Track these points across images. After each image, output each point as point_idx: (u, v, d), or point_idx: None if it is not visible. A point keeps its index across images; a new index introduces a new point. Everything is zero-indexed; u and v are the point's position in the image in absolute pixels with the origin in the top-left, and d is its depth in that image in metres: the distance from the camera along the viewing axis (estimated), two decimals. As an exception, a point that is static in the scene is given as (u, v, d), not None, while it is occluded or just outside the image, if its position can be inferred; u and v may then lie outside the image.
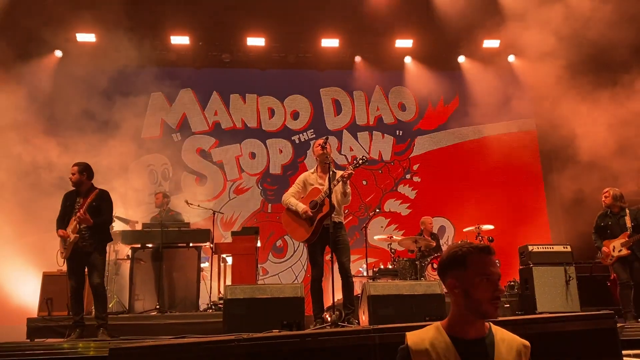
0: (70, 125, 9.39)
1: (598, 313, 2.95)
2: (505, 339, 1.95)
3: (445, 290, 4.99)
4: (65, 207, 5.53)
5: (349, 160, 10.52)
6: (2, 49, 8.62)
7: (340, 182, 5.20)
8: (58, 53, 10.06)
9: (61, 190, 5.87)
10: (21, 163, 8.91)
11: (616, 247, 6.52)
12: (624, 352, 3.64)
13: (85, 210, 5.31)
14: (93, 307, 5.66)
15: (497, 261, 7.96)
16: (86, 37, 9.94)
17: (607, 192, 6.79)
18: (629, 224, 6.50)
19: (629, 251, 6.41)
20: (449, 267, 1.97)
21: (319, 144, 5.37)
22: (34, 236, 8.15)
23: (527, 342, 1.97)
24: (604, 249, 6.62)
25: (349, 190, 5.28)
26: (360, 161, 5.22)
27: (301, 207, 5.27)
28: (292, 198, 5.39)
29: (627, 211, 6.61)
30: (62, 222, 5.47)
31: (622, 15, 8.44)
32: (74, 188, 5.56)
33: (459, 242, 2.03)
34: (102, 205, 5.50)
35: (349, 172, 5.15)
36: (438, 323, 1.99)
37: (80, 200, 5.48)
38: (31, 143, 8.89)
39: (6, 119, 8.69)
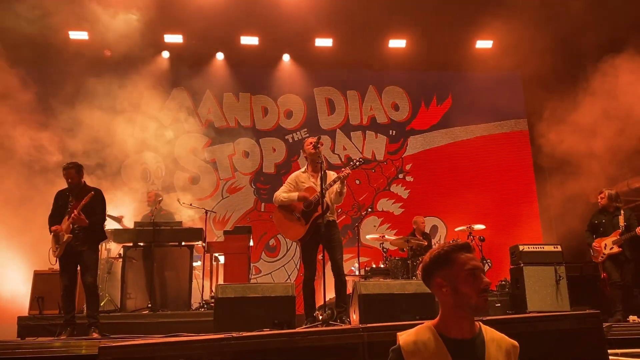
0: (62, 122, 9.35)
1: (584, 312, 2.98)
2: (495, 339, 1.97)
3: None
4: (58, 207, 5.53)
5: (343, 160, 10.64)
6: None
7: (338, 182, 5.21)
8: (53, 50, 9.99)
9: (53, 188, 5.86)
10: (13, 160, 8.87)
11: (607, 245, 6.59)
12: (612, 351, 3.68)
13: (80, 210, 5.30)
14: (85, 305, 5.65)
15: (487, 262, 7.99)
16: (79, 35, 9.89)
17: (602, 193, 6.87)
18: (622, 222, 6.58)
19: (620, 249, 6.48)
20: (434, 267, 2.01)
21: (311, 143, 5.35)
22: (25, 234, 8.11)
23: (515, 343, 2.00)
24: (595, 245, 6.69)
25: (344, 190, 5.29)
26: (357, 163, 5.26)
27: (295, 194, 5.26)
28: (284, 193, 5.36)
29: (622, 211, 6.68)
30: (54, 220, 5.47)
31: (614, 13, 8.50)
32: (66, 186, 5.56)
33: (438, 245, 2.09)
34: (96, 205, 5.50)
35: (347, 172, 5.16)
36: (429, 323, 2.01)
37: (72, 199, 5.46)
38: (24, 139, 8.85)
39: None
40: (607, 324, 4.00)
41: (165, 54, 10.52)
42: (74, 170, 5.49)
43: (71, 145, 8.93)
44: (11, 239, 8.42)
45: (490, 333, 1.99)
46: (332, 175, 5.36)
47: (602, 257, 6.64)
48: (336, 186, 5.23)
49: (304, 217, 5.20)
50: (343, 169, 5.21)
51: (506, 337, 2.01)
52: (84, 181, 5.62)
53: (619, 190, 7.53)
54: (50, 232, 5.44)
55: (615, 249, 6.51)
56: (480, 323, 2.02)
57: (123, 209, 8.63)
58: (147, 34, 9.05)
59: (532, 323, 2.88)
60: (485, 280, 1.95)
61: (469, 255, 1.99)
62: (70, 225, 5.35)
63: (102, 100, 9.87)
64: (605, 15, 8.37)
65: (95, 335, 5.21)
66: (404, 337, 1.98)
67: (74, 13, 8.72)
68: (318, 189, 5.16)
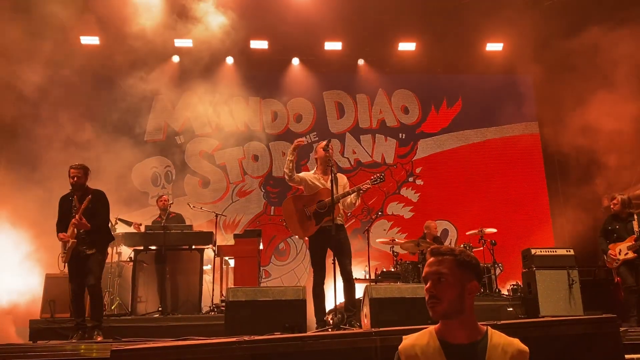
0: (72, 127, 9.39)
1: (601, 317, 2.94)
2: (500, 344, 1.93)
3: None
4: (63, 212, 5.51)
5: (352, 164, 10.64)
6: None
7: (355, 194, 5.24)
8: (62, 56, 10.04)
9: (62, 190, 5.84)
10: (25, 162, 8.92)
11: (622, 250, 6.50)
12: (627, 356, 3.63)
13: (81, 215, 5.29)
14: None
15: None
16: (90, 40, 9.96)
17: (615, 199, 6.77)
18: (636, 228, 6.48)
19: (635, 254, 6.39)
20: (478, 273, 2.03)
21: (322, 147, 5.40)
22: (38, 238, 8.14)
23: (524, 348, 1.93)
24: (610, 251, 6.60)
25: (358, 203, 5.38)
26: (379, 179, 5.27)
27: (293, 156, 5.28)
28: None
29: (635, 216, 6.58)
30: (61, 226, 5.45)
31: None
32: (69, 191, 5.54)
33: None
34: (98, 207, 5.47)
35: (367, 186, 5.21)
36: (432, 327, 2.01)
37: (76, 202, 5.44)
38: (33, 143, 8.90)
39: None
40: (623, 329, 3.95)
41: (175, 59, 10.57)
42: (82, 171, 5.48)
43: (79, 149, 8.97)
44: (24, 242, 8.45)
45: (496, 338, 1.96)
46: (342, 177, 5.39)
47: (616, 263, 6.55)
48: (353, 197, 5.26)
49: (315, 217, 5.24)
50: (364, 183, 5.22)
51: (516, 342, 1.95)
52: (87, 184, 5.59)
53: (631, 194, 7.44)
54: (59, 238, 5.44)
55: (631, 255, 6.42)
56: (489, 327, 2.00)
57: (134, 214, 8.63)
58: (157, 39, 9.09)
59: (547, 327, 2.84)
60: None
61: None
62: (75, 230, 5.33)
63: (110, 105, 9.94)
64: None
65: (99, 338, 5.20)
66: (405, 341, 2.00)
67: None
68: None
